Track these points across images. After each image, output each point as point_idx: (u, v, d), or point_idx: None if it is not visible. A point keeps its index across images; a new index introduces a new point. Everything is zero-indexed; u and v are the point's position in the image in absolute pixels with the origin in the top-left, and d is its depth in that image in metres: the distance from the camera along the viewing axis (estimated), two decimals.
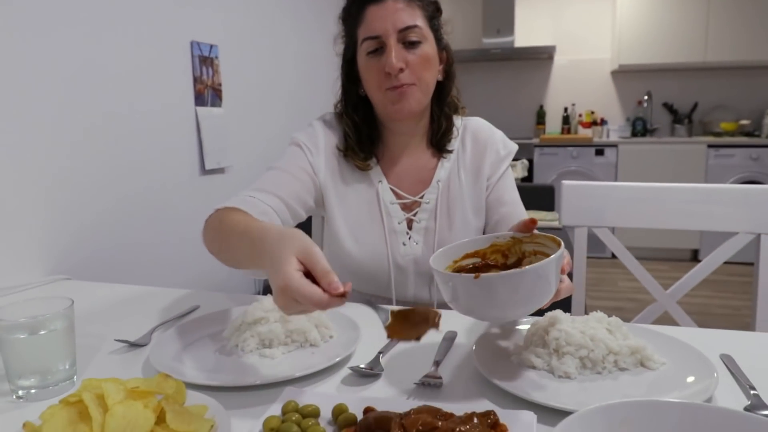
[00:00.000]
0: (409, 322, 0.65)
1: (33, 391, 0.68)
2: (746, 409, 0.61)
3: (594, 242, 1.30)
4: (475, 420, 0.53)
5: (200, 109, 2.03)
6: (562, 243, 0.68)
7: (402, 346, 0.81)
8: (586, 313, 0.80)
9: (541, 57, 4.92)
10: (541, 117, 5.03)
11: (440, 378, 0.69)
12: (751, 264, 1.18)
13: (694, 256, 4.39)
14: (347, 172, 1.12)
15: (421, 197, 1.12)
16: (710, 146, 4.24)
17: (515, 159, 2.85)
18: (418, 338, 0.65)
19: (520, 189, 1.17)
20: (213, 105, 2.12)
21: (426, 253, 1.09)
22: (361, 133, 1.11)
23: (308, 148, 1.10)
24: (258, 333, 0.80)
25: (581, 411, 0.46)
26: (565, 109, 4.96)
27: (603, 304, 3.39)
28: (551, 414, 0.59)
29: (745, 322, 2.98)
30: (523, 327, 0.83)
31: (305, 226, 0.99)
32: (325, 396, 0.63)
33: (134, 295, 1.12)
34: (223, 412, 0.58)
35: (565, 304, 0.79)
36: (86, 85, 1.48)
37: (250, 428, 0.58)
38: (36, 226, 1.32)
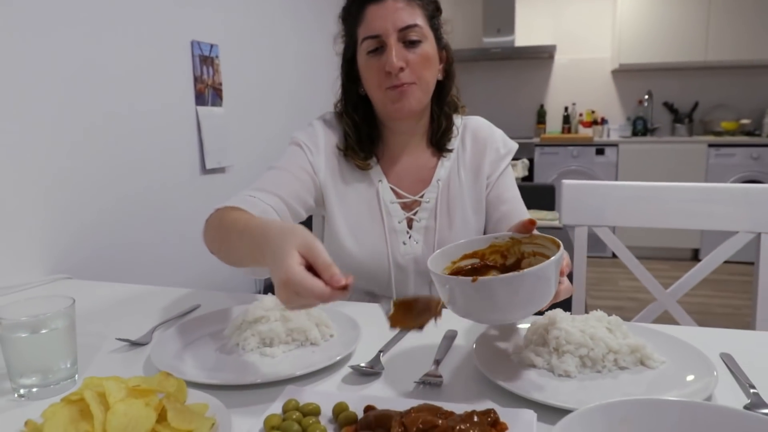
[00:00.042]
0: (412, 311, 0.65)
1: (34, 389, 0.68)
2: (746, 407, 0.61)
3: (594, 241, 1.30)
4: (476, 418, 0.53)
5: (201, 108, 2.04)
6: (562, 245, 0.67)
7: (402, 344, 0.81)
8: (587, 312, 0.80)
9: (541, 56, 4.92)
10: (541, 116, 5.03)
11: (440, 377, 0.69)
12: (752, 263, 1.19)
13: (695, 256, 4.39)
14: (347, 172, 1.12)
15: (421, 196, 1.12)
16: (711, 145, 4.23)
17: (516, 158, 2.86)
18: (420, 327, 0.64)
19: (520, 188, 1.17)
20: (213, 104, 2.12)
21: (426, 252, 1.09)
22: (361, 132, 1.11)
23: (308, 147, 1.10)
24: (259, 332, 0.80)
25: (581, 409, 0.46)
26: (566, 109, 4.96)
27: (603, 304, 3.39)
28: (551, 412, 0.59)
29: (746, 322, 2.97)
30: (523, 326, 0.83)
31: (305, 225, 0.99)
32: (325, 394, 0.64)
33: (135, 295, 1.12)
34: (224, 411, 0.59)
35: (565, 304, 0.79)
36: (86, 85, 1.48)
37: (251, 426, 0.58)
38: (37, 226, 1.32)
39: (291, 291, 0.59)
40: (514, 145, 1.18)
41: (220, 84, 2.16)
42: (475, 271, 0.77)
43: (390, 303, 0.67)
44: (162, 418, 0.54)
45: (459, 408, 0.56)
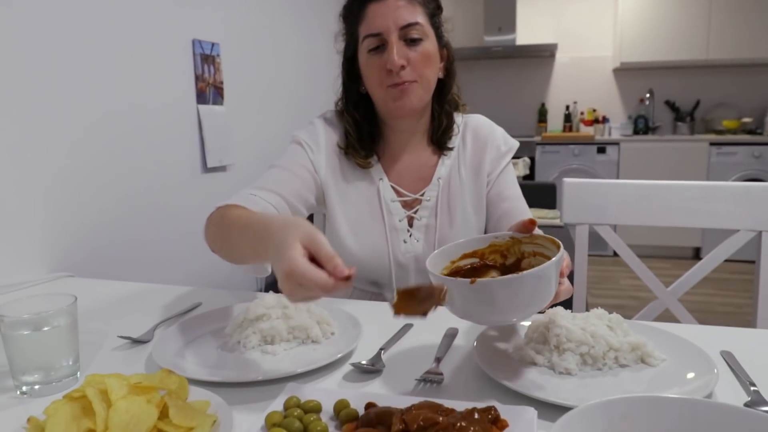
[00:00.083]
0: (415, 299, 0.65)
1: (37, 386, 0.68)
2: (746, 405, 0.61)
3: (596, 240, 1.30)
4: (476, 415, 0.53)
5: (202, 107, 2.04)
6: (562, 245, 0.67)
7: (403, 342, 0.81)
8: (588, 310, 0.80)
9: (542, 55, 4.91)
10: (542, 115, 5.02)
11: (441, 374, 0.69)
12: (753, 262, 1.19)
13: (696, 254, 4.38)
14: (348, 170, 1.12)
15: (422, 195, 1.12)
16: (712, 144, 4.23)
17: (517, 157, 2.85)
18: (424, 314, 0.64)
19: (521, 187, 1.17)
20: (215, 103, 2.12)
21: (427, 251, 1.09)
22: (362, 130, 1.11)
23: (309, 145, 1.10)
24: (260, 329, 0.80)
25: (581, 406, 0.46)
26: (567, 107, 4.96)
27: (605, 302, 3.39)
28: (552, 410, 0.59)
29: (747, 320, 2.97)
30: (524, 324, 0.83)
31: None
32: (326, 392, 0.64)
33: (137, 293, 1.12)
34: (226, 408, 0.59)
35: (566, 302, 0.79)
36: (87, 84, 1.48)
37: (253, 423, 0.58)
38: (38, 224, 1.32)
39: (294, 282, 0.59)
40: (514, 143, 1.18)
41: (221, 82, 2.16)
42: (474, 271, 0.76)
43: (393, 292, 0.67)
44: (164, 415, 0.54)
45: (460, 405, 0.56)
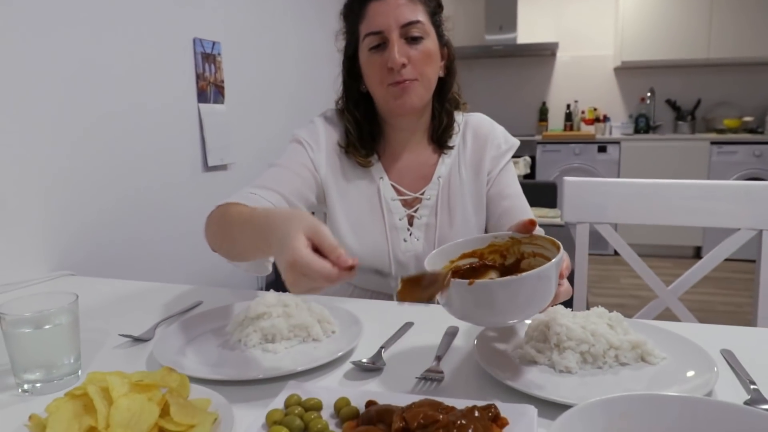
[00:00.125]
0: (419, 285, 0.65)
1: (38, 384, 0.68)
2: (746, 403, 0.61)
3: (596, 239, 1.30)
4: (476, 413, 0.54)
5: (203, 105, 2.04)
6: (561, 246, 0.67)
7: (404, 341, 0.81)
8: (588, 309, 0.80)
9: (543, 54, 4.91)
10: (543, 114, 5.02)
11: (442, 372, 0.69)
12: (753, 261, 1.19)
13: (697, 253, 4.38)
14: (348, 169, 1.12)
15: (422, 193, 1.12)
16: (713, 143, 4.23)
17: (517, 156, 2.85)
18: (429, 299, 0.64)
19: (522, 186, 1.17)
20: (215, 102, 2.12)
21: (427, 250, 1.09)
22: (362, 129, 1.11)
23: (309, 144, 1.10)
24: (261, 328, 0.80)
25: (581, 404, 0.46)
26: (568, 106, 4.95)
27: (605, 301, 3.39)
28: (552, 408, 0.59)
29: (747, 320, 2.97)
30: (525, 322, 0.83)
31: None
32: (327, 390, 0.64)
33: (138, 291, 1.13)
34: (227, 406, 0.59)
35: (566, 301, 0.79)
36: (88, 83, 1.48)
37: (253, 421, 0.58)
38: (39, 223, 1.32)
39: (298, 273, 0.59)
40: (515, 142, 1.18)
41: (222, 81, 2.16)
42: (473, 271, 0.76)
43: (397, 281, 0.67)
44: (165, 412, 0.54)
45: (460, 403, 0.57)
